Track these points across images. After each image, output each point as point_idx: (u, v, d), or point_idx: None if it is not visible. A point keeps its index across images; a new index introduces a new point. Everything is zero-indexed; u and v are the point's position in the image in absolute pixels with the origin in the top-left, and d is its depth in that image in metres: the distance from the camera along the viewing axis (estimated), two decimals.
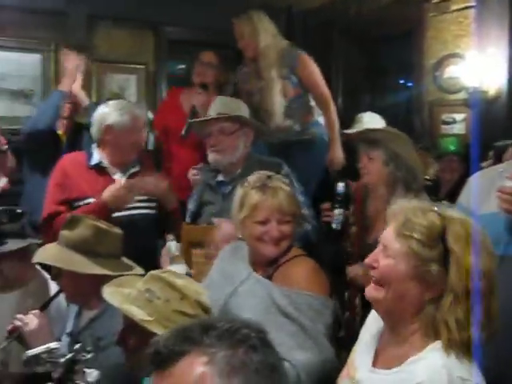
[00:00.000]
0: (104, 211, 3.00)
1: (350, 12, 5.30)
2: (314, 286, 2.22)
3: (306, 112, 3.96)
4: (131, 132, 3.27)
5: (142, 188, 3.19)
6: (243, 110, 3.22)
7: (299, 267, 2.29)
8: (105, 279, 2.35)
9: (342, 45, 5.49)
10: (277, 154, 3.54)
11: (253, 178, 2.38)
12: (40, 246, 2.76)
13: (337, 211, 2.89)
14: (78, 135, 4.24)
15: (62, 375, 1.82)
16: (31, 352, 1.86)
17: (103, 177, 3.28)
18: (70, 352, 1.86)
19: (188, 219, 3.20)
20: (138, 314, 1.80)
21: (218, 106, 3.18)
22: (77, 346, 1.82)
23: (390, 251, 1.56)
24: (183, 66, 5.56)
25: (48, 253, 2.44)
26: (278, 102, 3.82)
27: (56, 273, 2.42)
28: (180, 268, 2.66)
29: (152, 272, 1.94)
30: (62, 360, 1.85)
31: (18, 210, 2.79)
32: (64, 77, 4.05)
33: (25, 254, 2.78)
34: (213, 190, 3.16)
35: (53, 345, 1.92)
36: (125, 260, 2.50)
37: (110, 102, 3.40)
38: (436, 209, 1.57)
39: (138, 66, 5.16)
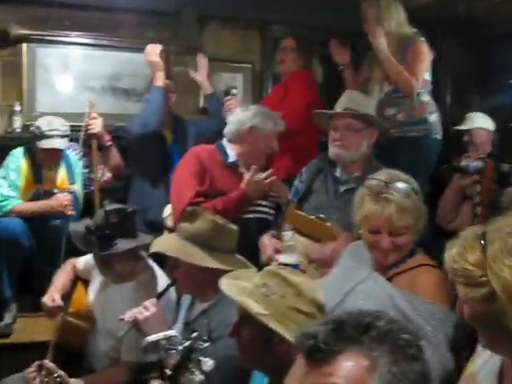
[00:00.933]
0: (247, 200, 3.23)
1: (458, 10, 5.18)
2: (441, 299, 2.15)
3: (415, 105, 3.82)
4: (270, 137, 3.38)
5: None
6: (371, 107, 3.20)
7: (427, 278, 2.22)
8: (219, 273, 2.41)
9: (449, 43, 5.35)
10: (380, 152, 3.46)
11: (373, 181, 2.30)
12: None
13: None
14: (179, 128, 4.37)
15: (178, 362, 1.87)
16: (151, 338, 1.93)
17: (237, 175, 3.41)
18: (188, 340, 1.90)
19: (292, 197, 3.24)
20: (255, 307, 1.80)
21: (347, 100, 3.13)
22: (194, 335, 1.86)
23: None
24: None
25: (168, 244, 2.53)
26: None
27: (172, 263, 2.50)
28: (292, 259, 2.67)
29: (269, 267, 1.97)
30: (180, 348, 1.89)
31: (129, 209, 2.87)
32: (154, 72, 4.12)
33: (135, 251, 2.89)
34: (326, 181, 3.14)
35: (171, 332, 1.98)
36: (238, 256, 2.56)
37: (252, 106, 3.52)
38: None
39: (245, 65, 5.24)
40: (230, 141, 3.49)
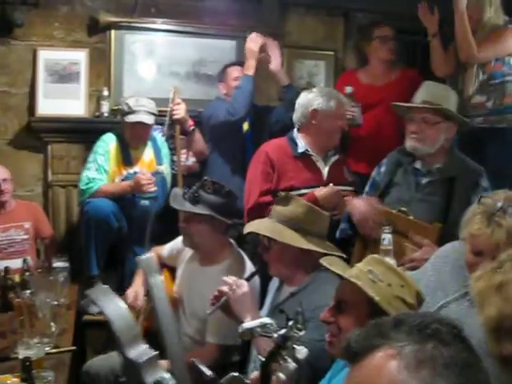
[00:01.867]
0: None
1: None
2: None
3: (507, 92, 3.67)
4: (335, 118, 3.35)
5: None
6: (452, 100, 3.11)
7: None
8: (310, 256, 2.44)
9: None
10: (467, 143, 3.41)
11: (488, 201, 2.08)
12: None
13: None
14: (256, 116, 4.38)
15: (273, 350, 1.89)
16: (247, 325, 1.95)
17: (308, 166, 3.39)
18: (283, 328, 1.92)
19: (369, 190, 3.20)
20: (368, 290, 1.79)
21: (425, 92, 3.09)
22: (290, 323, 1.87)
23: None
24: None
25: (261, 225, 2.58)
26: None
27: (265, 245, 2.53)
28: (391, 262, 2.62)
29: (373, 255, 1.97)
30: (275, 335, 1.91)
31: (226, 189, 2.94)
32: (248, 60, 4.12)
33: (220, 229, 2.95)
34: (407, 174, 3.09)
35: (267, 320, 2.00)
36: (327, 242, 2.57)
37: (314, 88, 3.50)
38: None
39: (328, 52, 5.20)
40: (298, 130, 3.48)
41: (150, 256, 1.80)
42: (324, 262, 2.03)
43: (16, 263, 3.79)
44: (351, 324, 1.82)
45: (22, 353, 2.44)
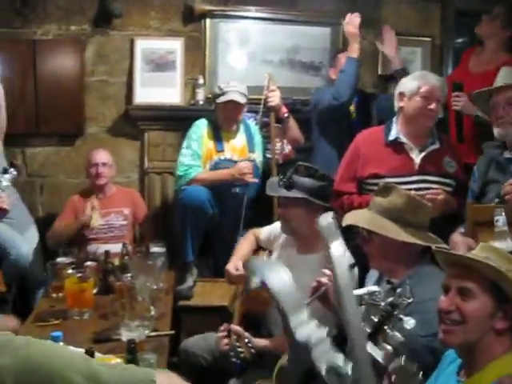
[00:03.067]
0: None
1: None
2: None
3: None
4: (420, 100, 3.19)
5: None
6: None
7: None
8: (412, 249, 2.37)
9: None
10: None
11: None
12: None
13: None
14: (365, 106, 4.31)
15: (380, 319, 1.83)
16: (355, 292, 1.89)
17: (400, 154, 3.25)
18: (391, 296, 1.86)
19: (468, 197, 3.04)
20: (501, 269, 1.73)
21: (504, 76, 2.94)
22: (398, 290, 1.82)
23: None
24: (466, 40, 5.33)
25: (360, 217, 2.52)
26: None
27: (364, 238, 2.47)
28: (507, 245, 2.51)
29: (484, 243, 1.89)
30: (383, 303, 1.85)
31: (321, 172, 2.91)
32: (351, 43, 4.05)
33: (317, 214, 2.90)
34: (500, 167, 2.93)
35: (374, 288, 1.95)
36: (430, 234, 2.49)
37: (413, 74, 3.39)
38: None
39: (424, 39, 5.06)
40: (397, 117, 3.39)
41: (330, 221, 1.70)
42: (437, 248, 1.97)
43: (115, 248, 3.91)
44: (477, 310, 1.75)
45: (124, 335, 2.50)
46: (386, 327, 1.77)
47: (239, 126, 4.19)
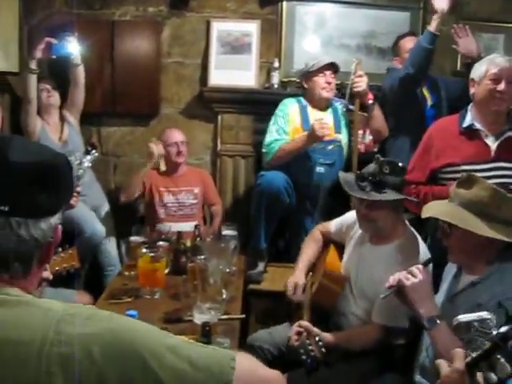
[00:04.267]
0: None
1: None
2: None
3: None
4: (487, 83, 3.07)
5: None
6: None
7: None
8: (494, 245, 2.27)
9: None
10: None
11: None
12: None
13: None
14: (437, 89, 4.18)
15: (490, 348, 1.71)
16: (463, 318, 1.81)
17: (474, 141, 3.15)
18: (503, 325, 1.75)
19: None
20: None
21: None
22: None
23: None
24: None
25: (441, 209, 2.43)
26: None
27: (445, 231, 2.39)
28: None
29: None
30: (494, 332, 1.75)
31: (400, 164, 2.82)
32: (435, 17, 3.81)
33: (398, 209, 2.84)
34: None
35: (485, 314, 1.86)
36: None
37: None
38: None
39: (507, 25, 4.88)
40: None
41: None
42: None
43: (184, 227, 3.96)
44: None
45: (197, 317, 2.51)
46: (497, 355, 1.66)
47: (328, 105, 4.11)
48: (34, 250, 1.11)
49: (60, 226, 1.17)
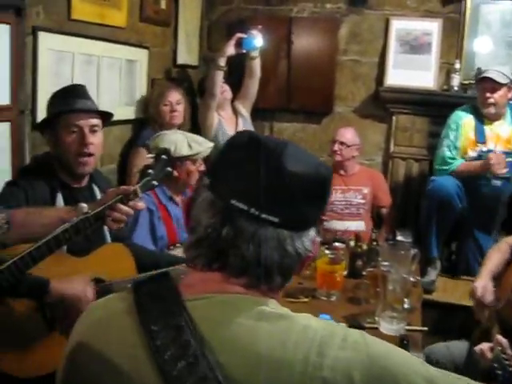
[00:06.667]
0: None
1: None
2: None
3: None
4: None
5: None
6: None
7: None
8: None
9: None
10: None
11: None
12: None
13: None
14: None
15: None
16: None
17: None
18: None
19: None
20: None
21: None
22: None
23: None
24: None
25: None
26: None
27: None
28: None
29: None
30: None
31: None
32: None
33: None
34: None
35: None
36: None
37: None
38: None
39: None
40: None
41: None
42: None
43: (349, 225, 3.92)
44: None
45: (384, 326, 2.44)
46: None
47: (505, 113, 3.89)
48: (295, 264, 1.09)
49: (318, 239, 1.14)
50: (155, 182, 2.24)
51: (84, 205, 2.03)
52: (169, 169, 2.31)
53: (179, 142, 3.12)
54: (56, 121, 2.37)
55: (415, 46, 4.59)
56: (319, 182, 1.08)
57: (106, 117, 2.50)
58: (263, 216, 1.02)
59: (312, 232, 1.10)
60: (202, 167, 3.24)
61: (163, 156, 2.30)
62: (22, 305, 2.11)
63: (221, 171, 1.07)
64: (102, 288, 2.41)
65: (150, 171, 2.22)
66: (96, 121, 2.41)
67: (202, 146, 3.19)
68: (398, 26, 4.63)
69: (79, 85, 2.52)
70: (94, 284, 2.25)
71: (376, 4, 4.68)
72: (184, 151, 3.10)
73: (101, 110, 2.52)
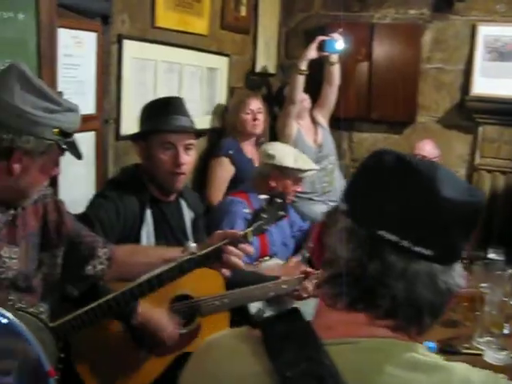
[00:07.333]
0: None
1: None
2: None
3: None
4: None
5: None
6: None
7: None
8: None
9: None
10: None
11: None
12: None
13: None
14: None
15: None
16: None
17: None
18: None
19: None
20: None
21: None
22: None
23: None
24: None
25: None
26: None
27: None
28: None
29: None
30: None
31: None
32: None
33: None
34: None
35: None
36: None
37: None
38: None
39: None
40: None
41: None
42: None
43: None
44: None
45: (489, 355, 2.28)
46: None
47: None
48: (446, 303, 0.95)
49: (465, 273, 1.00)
50: (267, 227, 2.15)
51: (193, 244, 2.00)
52: (282, 213, 2.21)
53: (286, 151, 3.10)
54: (151, 134, 2.32)
55: (504, 53, 4.38)
56: (473, 208, 0.94)
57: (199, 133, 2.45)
58: (416, 249, 0.89)
59: (459, 265, 0.97)
60: (300, 189, 3.19)
61: (277, 199, 2.19)
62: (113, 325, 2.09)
63: (363, 196, 0.94)
64: (190, 305, 2.34)
65: (264, 216, 2.12)
66: (191, 140, 2.35)
67: (307, 164, 3.14)
68: (485, 32, 4.42)
69: (177, 98, 2.46)
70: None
71: (463, 9, 4.49)
72: (287, 162, 3.05)
73: (197, 128, 2.48)
